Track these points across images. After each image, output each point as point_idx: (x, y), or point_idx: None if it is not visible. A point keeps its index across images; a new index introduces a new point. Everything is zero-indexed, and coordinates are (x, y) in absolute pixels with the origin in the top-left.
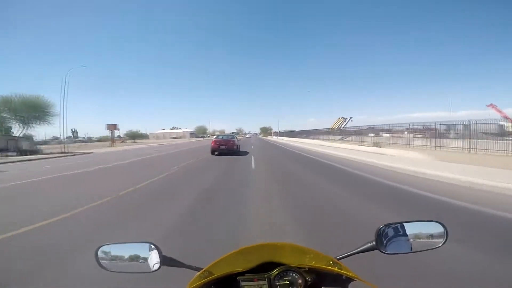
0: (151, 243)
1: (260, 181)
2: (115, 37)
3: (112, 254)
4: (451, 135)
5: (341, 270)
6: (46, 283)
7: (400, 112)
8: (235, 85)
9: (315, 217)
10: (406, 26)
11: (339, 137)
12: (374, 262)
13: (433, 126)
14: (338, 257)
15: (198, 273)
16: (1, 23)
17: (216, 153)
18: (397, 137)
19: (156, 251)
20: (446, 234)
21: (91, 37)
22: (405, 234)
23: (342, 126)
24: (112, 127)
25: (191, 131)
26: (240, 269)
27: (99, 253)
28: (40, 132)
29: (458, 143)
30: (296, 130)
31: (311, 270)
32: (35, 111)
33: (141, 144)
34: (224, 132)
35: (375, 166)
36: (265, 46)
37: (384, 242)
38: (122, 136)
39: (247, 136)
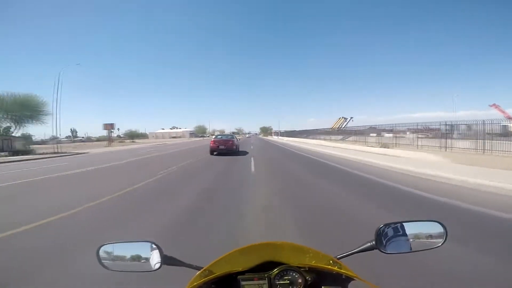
0: (152, 242)
1: (259, 196)
2: (115, 37)
3: (113, 253)
4: (454, 135)
5: (341, 269)
6: None
7: (400, 112)
8: (235, 85)
9: None
10: (406, 26)
11: (340, 137)
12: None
13: (437, 126)
14: (338, 256)
15: (199, 272)
16: (1, 23)
17: (215, 153)
18: (399, 137)
19: (157, 250)
20: (445, 234)
21: (91, 37)
22: (404, 234)
23: (343, 126)
24: (109, 126)
25: (191, 131)
26: (240, 268)
27: (101, 252)
28: (40, 132)
29: (464, 143)
30: (297, 130)
31: (311, 270)
32: (27, 110)
33: (139, 143)
34: (224, 132)
35: (395, 171)
36: (265, 46)
37: (384, 241)
38: (122, 135)
39: (247, 136)
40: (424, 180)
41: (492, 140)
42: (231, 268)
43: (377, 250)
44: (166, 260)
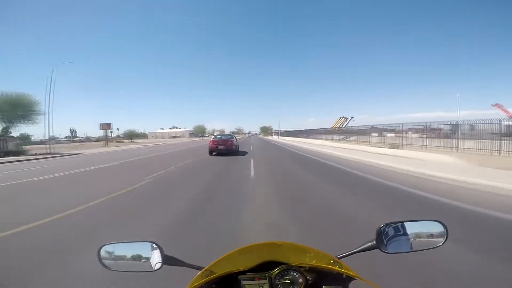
0: (153, 242)
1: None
2: (115, 37)
3: (114, 253)
4: (460, 135)
5: (342, 269)
6: None
7: (400, 112)
8: (235, 85)
9: None
10: (406, 26)
11: (341, 137)
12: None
13: (445, 126)
14: (339, 256)
15: (200, 272)
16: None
17: (214, 153)
18: (402, 137)
19: (158, 250)
20: (446, 234)
21: (91, 37)
22: (405, 234)
23: (344, 126)
24: (106, 126)
25: (190, 131)
26: (241, 268)
27: (102, 252)
28: (39, 132)
29: (472, 143)
30: (297, 129)
31: (312, 269)
32: (19, 109)
33: (138, 143)
34: (223, 132)
35: (424, 178)
36: (265, 46)
37: (385, 241)
38: (121, 136)
39: (247, 135)
40: (466, 189)
41: (501, 140)
42: (232, 268)
43: (377, 250)
44: (167, 260)
